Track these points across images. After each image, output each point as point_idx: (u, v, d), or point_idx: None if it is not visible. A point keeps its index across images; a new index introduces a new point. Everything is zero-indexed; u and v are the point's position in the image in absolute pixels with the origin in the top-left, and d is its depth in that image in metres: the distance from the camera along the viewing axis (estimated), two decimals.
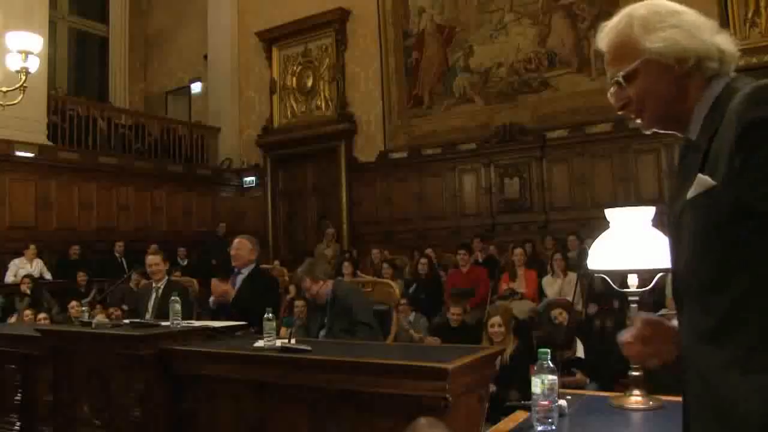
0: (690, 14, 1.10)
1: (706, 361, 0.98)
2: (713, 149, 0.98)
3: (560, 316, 4.38)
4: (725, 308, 0.96)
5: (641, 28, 1.10)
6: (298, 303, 5.38)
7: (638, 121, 1.16)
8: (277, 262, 7.32)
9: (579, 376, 4.13)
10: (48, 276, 8.38)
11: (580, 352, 4.44)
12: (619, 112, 1.18)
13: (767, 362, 0.90)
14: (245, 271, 4.31)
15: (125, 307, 6.11)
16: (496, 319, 4.52)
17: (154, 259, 4.76)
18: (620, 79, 1.12)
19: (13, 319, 6.26)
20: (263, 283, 4.34)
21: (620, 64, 1.12)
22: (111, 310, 6.11)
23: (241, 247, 4.34)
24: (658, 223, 1.89)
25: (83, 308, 4.30)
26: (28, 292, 7.22)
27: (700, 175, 0.99)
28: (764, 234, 0.91)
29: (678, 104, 1.09)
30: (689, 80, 1.08)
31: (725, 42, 1.09)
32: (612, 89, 1.16)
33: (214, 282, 4.31)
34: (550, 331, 4.33)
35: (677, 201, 1.07)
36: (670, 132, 1.15)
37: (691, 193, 1.01)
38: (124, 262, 9.00)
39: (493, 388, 3.45)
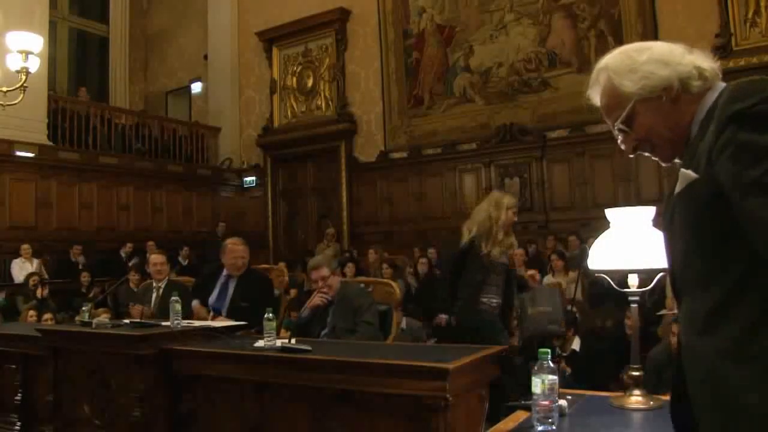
0: (658, 46, 1.20)
1: (702, 350, 1.04)
2: (699, 148, 1.06)
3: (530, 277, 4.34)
4: (716, 298, 1.01)
5: (619, 76, 1.20)
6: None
7: (655, 158, 1.24)
8: (282, 264, 7.31)
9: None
10: (45, 276, 8.35)
11: (576, 345, 4.46)
12: (631, 156, 1.28)
13: (756, 352, 0.96)
14: (236, 275, 4.21)
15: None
16: None
17: (158, 258, 4.73)
18: (622, 127, 1.21)
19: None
20: (260, 286, 4.20)
21: (616, 113, 1.21)
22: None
23: (246, 254, 4.19)
24: (659, 223, 1.90)
25: (84, 308, 4.27)
26: (39, 290, 7.14)
27: (682, 170, 1.09)
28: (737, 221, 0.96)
29: (681, 126, 1.16)
30: (682, 102, 1.15)
31: (701, 59, 1.17)
32: (619, 138, 1.24)
33: (196, 306, 4.18)
34: (533, 326, 4.27)
35: (671, 199, 1.14)
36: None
37: (677, 188, 1.10)
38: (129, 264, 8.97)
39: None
